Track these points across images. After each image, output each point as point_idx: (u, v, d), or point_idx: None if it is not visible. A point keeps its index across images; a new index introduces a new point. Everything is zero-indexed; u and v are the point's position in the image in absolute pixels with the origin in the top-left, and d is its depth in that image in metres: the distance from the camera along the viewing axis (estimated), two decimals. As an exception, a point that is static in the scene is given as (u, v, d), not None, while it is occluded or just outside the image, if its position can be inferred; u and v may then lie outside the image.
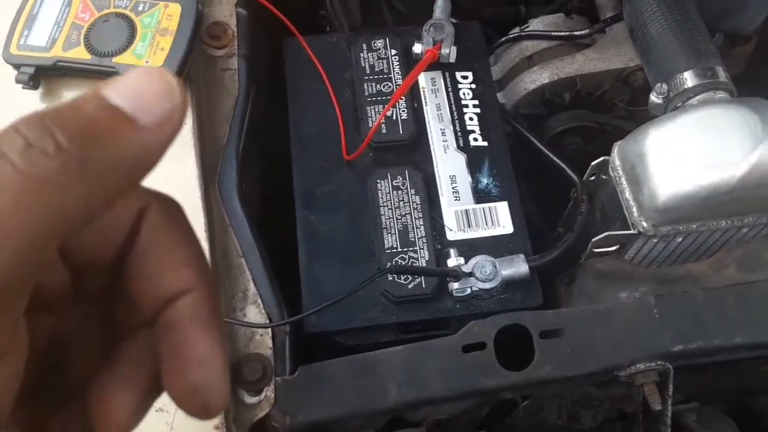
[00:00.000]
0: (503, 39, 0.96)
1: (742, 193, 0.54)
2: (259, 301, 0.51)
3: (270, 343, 0.50)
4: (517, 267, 0.59)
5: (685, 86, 0.60)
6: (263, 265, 0.53)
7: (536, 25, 0.94)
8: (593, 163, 0.66)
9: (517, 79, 0.93)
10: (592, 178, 0.68)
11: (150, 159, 0.19)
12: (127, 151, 0.19)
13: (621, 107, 0.91)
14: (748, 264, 0.56)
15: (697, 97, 0.59)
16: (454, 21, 0.75)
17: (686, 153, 0.55)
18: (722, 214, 0.57)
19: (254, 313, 0.51)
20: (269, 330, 0.51)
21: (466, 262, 0.60)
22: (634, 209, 0.59)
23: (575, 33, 0.90)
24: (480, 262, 0.59)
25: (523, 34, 0.94)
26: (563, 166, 0.69)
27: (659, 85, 0.61)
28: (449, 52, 0.69)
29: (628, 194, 0.60)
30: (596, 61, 0.89)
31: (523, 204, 0.67)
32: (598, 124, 0.93)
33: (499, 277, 0.59)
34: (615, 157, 0.62)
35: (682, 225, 0.57)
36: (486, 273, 0.59)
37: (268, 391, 0.49)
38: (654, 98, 0.61)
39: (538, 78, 0.90)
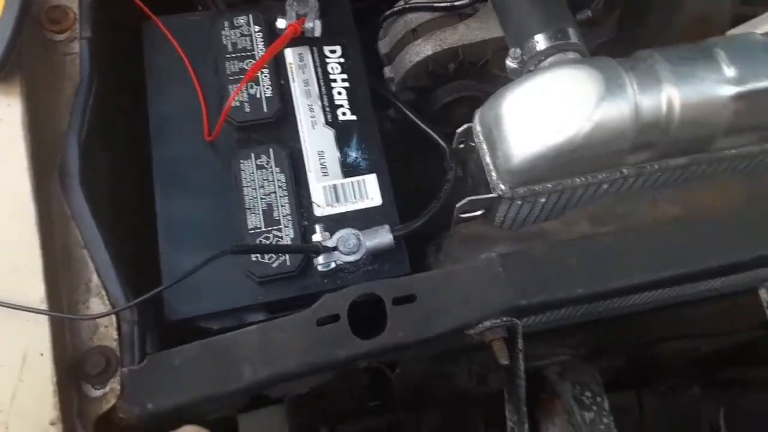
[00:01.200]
0: (388, 12, 0.95)
1: (588, 150, 0.55)
2: (103, 291, 0.49)
3: (116, 334, 0.48)
4: (382, 237, 0.59)
5: (537, 49, 0.60)
6: (107, 254, 0.51)
7: (420, -1, 0.94)
8: (459, 131, 0.66)
9: (402, 53, 0.92)
10: (462, 145, 0.68)
11: None
12: None
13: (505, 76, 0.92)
14: (600, 218, 0.57)
15: (548, 59, 0.60)
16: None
17: (534, 115, 0.56)
18: (574, 172, 0.58)
19: (97, 305, 0.49)
20: (114, 321, 0.49)
21: (332, 236, 0.59)
22: (493, 173, 0.59)
23: (456, 3, 0.90)
24: (344, 236, 0.59)
25: (407, 6, 0.94)
26: (433, 134, 0.69)
27: (513, 49, 0.62)
28: (313, 26, 0.68)
29: (488, 158, 0.60)
30: (478, 31, 0.89)
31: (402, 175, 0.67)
32: (485, 94, 0.94)
33: (363, 249, 0.59)
34: (476, 123, 0.62)
35: (538, 185, 0.58)
36: (350, 246, 0.58)
37: (114, 383, 0.47)
38: (509, 63, 0.62)
39: (421, 50, 0.90)
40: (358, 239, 0.59)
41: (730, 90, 0.54)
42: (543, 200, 0.60)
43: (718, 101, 0.55)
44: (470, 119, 0.95)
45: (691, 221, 0.55)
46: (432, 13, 0.91)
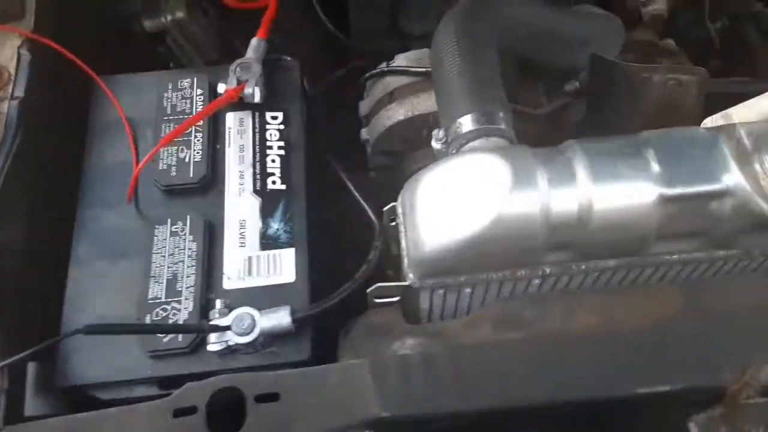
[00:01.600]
0: (368, 74, 0.94)
1: (495, 247, 0.51)
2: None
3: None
4: (280, 320, 0.56)
5: (460, 131, 0.57)
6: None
7: (401, 60, 0.92)
8: (385, 209, 0.63)
9: (378, 115, 0.91)
10: (393, 223, 0.65)
11: None
12: None
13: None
14: (505, 321, 0.52)
15: (470, 144, 0.56)
16: (275, 58, 0.73)
17: (441, 204, 0.52)
18: (488, 266, 0.53)
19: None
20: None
21: (230, 314, 0.57)
22: (405, 260, 0.56)
23: (431, 70, 0.88)
24: (239, 315, 0.56)
25: (387, 69, 0.92)
26: (367, 209, 0.66)
27: (437, 130, 0.58)
28: (253, 92, 0.67)
29: (403, 243, 0.57)
30: (452, 99, 0.87)
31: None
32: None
33: (257, 330, 0.56)
34: (398, 204, 0.59)
35: (449, 278, 0.54)
36: (243, 327, 0.56)
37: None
38: (434, 144, 0.58)
39: (393, 114, 0.87)
40: (253, 320, 0.56)
41: (657, 192, 0.49)
42: (457, 294, 0.56)
43: (642, 204, 0.49)
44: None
45: (602, 336, 0.49)
46: (409, 78, 0.89)
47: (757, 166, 0.52)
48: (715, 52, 1.02)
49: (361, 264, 0.62)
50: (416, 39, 1.02)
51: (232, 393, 0.47)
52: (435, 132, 0.58)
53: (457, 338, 0.52)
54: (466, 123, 0.57)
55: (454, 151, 0.57)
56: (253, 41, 0.71)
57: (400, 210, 0.59)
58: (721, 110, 0.67)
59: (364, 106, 0.95)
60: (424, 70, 0.88)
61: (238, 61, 0.69)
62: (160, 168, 0.64)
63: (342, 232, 0.68)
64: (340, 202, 0.69)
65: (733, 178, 0.49)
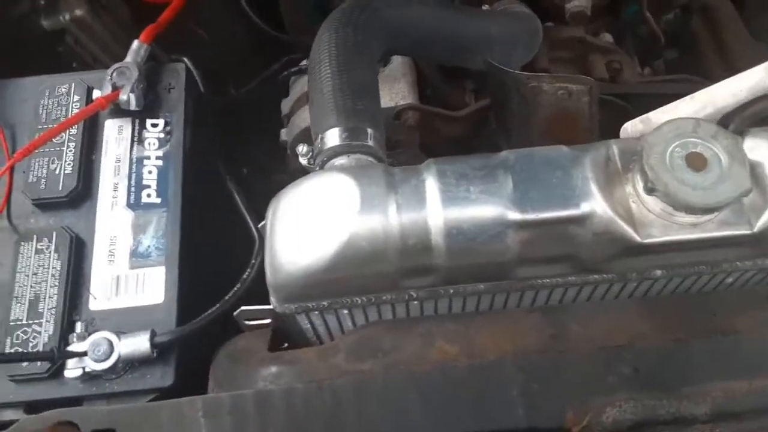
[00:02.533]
0: (290, 71, 0.91)
1: (347, 272, 0.48)
2: None
3: None
4: (139, 345, 0.54)
5: (324, 146, 0.54)
6: None
7: (320, 57, 0.88)
8: (261, 224, 0.60)
9: (295, 116, 0.87)
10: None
11: None
12: None
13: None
14: (361, 350, 0.49)
15: (332, 161, 0.53)
16: (161, 62, 0.69)
17: (296, 227, 0.49)
18: (350, 291, 0.51)
19: None
20: None
21: (89, 338, 0.55)
22: (268, 280, 0.53)
23: (346, 68, 0.84)
24: (96, 341, 0.54)
25: (304, 67, 0.88)
26: (249, 220, 0.63)
27: (300, 146, 0.55)
28: (128, 99, 0.64)
29: (266, 264, 0.54)
30: (371, 98, 0.83)
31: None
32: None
33: (115, 356, 0.54)
34: (266, 221, 0.56)
35: (311, 302, 0.51)
36: (100, 353, 0.54)
37: None
38: (301, 160, 0.55)
39: (308, 117, 0.84)
40: (111, 345, 0.54)
41: (510, 217, 0.46)
42: (335, 314, 0.53)
43: (494, 230, 0.46)
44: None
45: (459, 368, 0.46)
46: (326, 75, 0.86)
47: (629, 188, 0.49)
48: (668, 43, 0.99)
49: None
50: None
51: (70, 427, 0.46)
52: (299, 147, 0.56)
53: (308, 365, 0.49)
54: (331, 138, 0.54)
55: (317, 168, 0.54)
56: (134, 44, 0.67)
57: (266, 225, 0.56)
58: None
59: (285, 105, 0.92)
60: (338, 67, 0.85)
61: (115, 65, 0.65)
62: (30, 180, 0.62)
63: (228, 247, 0.66)
64: (229, 215, 0.66)
65: (592, 202, 0.46)
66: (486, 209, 0.46)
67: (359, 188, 0.48)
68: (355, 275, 0.48)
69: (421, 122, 0.82)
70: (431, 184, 0.48)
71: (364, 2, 0.62)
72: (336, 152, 0.53)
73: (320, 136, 0.54)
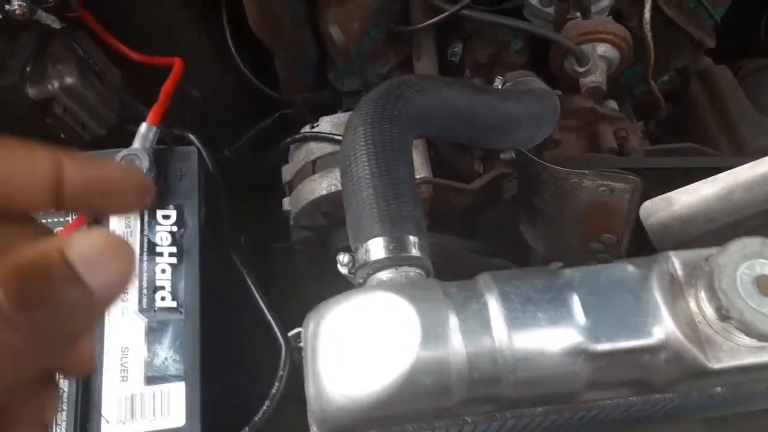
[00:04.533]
0: (289, 139, 0.86)
1: (404, 407, 0.44)
2: None
3: None
4: (162, 481, 0.49)
5: (368, 259, 0.50)
6: None
7: (325, 124, 0.84)
8: (291, 333, 0.56)
9: (300, 187, 0.83)
10: (301, 343, 0.58)
11: (91, 318, 0.22)
12: (69, 310, 0.21)
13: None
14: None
15: (379, 274, 0.49)
16: (169, 146, 0.64)
17: (345, 353, 0.45)
18: (401, 422, 0.47)
19: None
20: None
21: (106, 471, 0.49)
22: (309, 410, 0.49)
23: (355, 140, 0.81)
24: (113, 477, 0.48)
25: (310, 134, 0.85)
26: (274, 326, 0.59)
27: (341, 254, 0.51)
28: (139, 191, 0.59)
29: (306, 387, 0.50)
30: (379, 172, 0.80)
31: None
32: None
33: (135, 495, 0.48)
34: (303, 335, 0.52)
35: (358, 432, 0.47)
36: (118, 492, 0.48)
37: None
38: (340, 268, 0.51)
39: (316, 188, 0.80)
40: (130, 482, 0.48)
41: (583, 347, 0.43)
42: None
43: (566, 360, 0.43)
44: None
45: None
46: (333, 146, 0.82)
47: (693, 305, 0.47)
48: (666, 100, 0.99)
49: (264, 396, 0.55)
50: (346, 94, 0.95)
51: None
52: (340, 256, 0.52)
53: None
54: (375, 249, 0.50)
55: (361, 281, 0.50)
56: (142, 128, 0.63)
57: (303, 342, 0.52)
58: (663, 183, 0.62)
59: (286, 173, 0.88)
60: (348, 139, 0.82)
61: (124, 152, 0.60)
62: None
63: (247, 352, 0.61)
64: (247, 312, 0.61)
65: (664, 328, 0.44)
66: (557, 339, 0.43)
67: (419, 314, 0.44)
68: (412, 409, 0.45)
69: (435, 195, 0.79)
70: (495, 309, 0.44)
71: (394, 89, 0.58)
72: (381, 266, 0.49)
73: (362, 246, 0.50)
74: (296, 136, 0.85)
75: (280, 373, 0.56)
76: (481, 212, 0.84)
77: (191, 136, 0.69)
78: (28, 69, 0.71)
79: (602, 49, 0.79)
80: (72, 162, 0.24)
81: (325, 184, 0.80)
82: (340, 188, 0.79)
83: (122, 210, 0.28)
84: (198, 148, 0.64)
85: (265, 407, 0.54)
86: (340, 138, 0.82)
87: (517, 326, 0.44)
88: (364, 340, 0.45)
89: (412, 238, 0.50)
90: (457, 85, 0.63)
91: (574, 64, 0.78)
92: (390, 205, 0.51)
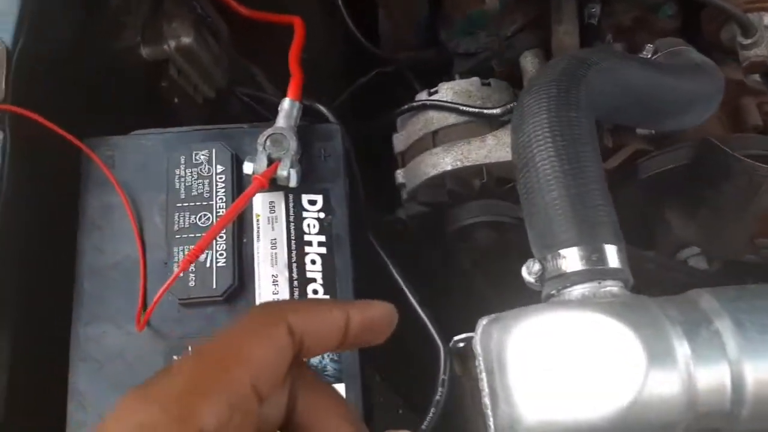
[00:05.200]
0: (406, 107, 0.80)
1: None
2: None
3: None
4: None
5: (563, 270, 0.45)
6: None
7: (445, 92, 0.78)
8: (456, 338, 0.52)
9: (418, 159, 0.78)
10: (461, 344, 0.54)
11: None
12: None
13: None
14: None
15: (577, 288, 0.45)
16: (306, 125, 0.58)
17: (550, 377, 0.41)
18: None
19: None
20: None
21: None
22: (491, 427, 0.45)
23: (484, 111, 0.74)
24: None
25: (429, 102, 0.78)
26: (431, 329, 0.55)
27: (531, 261, 0.46)
28: (288, 174, 0.54)
29: (486, 399, 0.46)
30: (509, 147, 0.73)
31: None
32: (515, 219, 0.78)
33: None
34: (476, 343, 0.48)
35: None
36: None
37: None
38: (525, 275, 0.47)
39: (439, 162, 0.75)
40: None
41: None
42: None
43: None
44: (494, 245, 0.82)
45: None
46: (457, 117, 0.76)
47: None
48: None
49: (424, 402, 0.51)
50: (459, 55, 0.88)
51: None
52: (528, 263, 0.47)
53: None
54: (572, 260, 0.45)
55: (554, 292, 0.46)
56: (285, 103, 0.57)
57: (479, 350, 0.48)
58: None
59: (399, 142, 0.82)
60: (476, 110, 0.75)
61: (268, 131, 0.55)
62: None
63: (398, 349, 0.57)
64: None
65: None
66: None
67: (642, 342, 0.39)
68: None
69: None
70: (729, 339, 0.40)
71: (575, 69, 0.52)
72: (581, 279, 0.44)
73: (554, 255, 0.45)
74: (413, 104, 0.79)
75: (442, 377, 0.52)
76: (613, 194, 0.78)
77: (322, 108, 0.63)
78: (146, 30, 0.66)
79: (769, 19, 0.70)
80: (355, 310, 0.30)
81: (449, 158, 0.74)
82: (466, 164, 0.74)
83: (379, 341, 0.32)
84: (339, 125, 0.59)
85: (431, 414, 0.51)
86: (465, 108, 0.76)
87: (755, 358, 0.39)
88: (573, 363, 0.41)
89: (611, 247, 0.45)
90: (634, 62, 0.57)
91: (737, 35, 0.70)
92: (586, 208, 0.46)
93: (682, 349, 0.40)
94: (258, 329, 0.27)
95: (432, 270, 0.87)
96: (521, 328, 0.44)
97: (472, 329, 0.60)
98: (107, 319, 0.51)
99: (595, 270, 0.44)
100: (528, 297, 0.52)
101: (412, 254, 0.78)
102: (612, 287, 0.44)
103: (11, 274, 0.48)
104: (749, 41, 0.69)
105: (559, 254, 0.45)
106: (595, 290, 0.44)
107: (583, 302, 0.44)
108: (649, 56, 0.71)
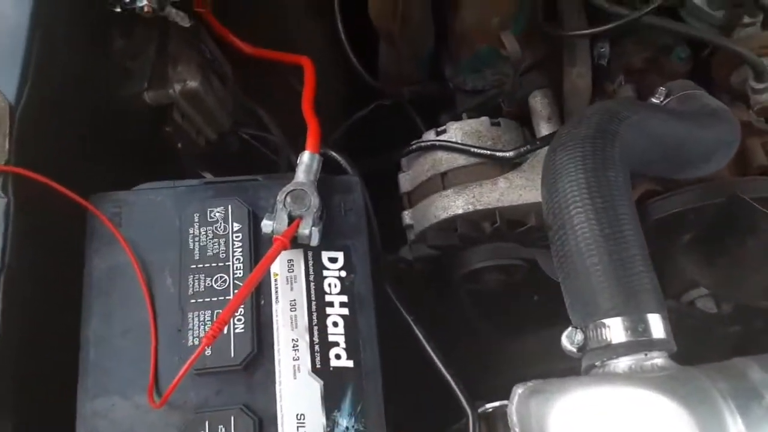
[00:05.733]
0: (413, 146, 0.78)
1: None
2: None
3: None
4: None
5: (607, 340, 0.43)
6: None
7: (454, 132, 0.76)
8: (487, 405, 0.50)
9: (427, 201, 0.76)
10: (491, 409, 0.52)
11: None
12: None
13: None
14: None
15: (623, 360, 0.43)
16: (325, 176, 0.56)
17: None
18: None
19: None
20: None
21: None
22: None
23: (497, 154, 0.73)
24: None
25: (438, 143, 0.76)
26: (457, 391, 0.52)
27: (572, 330, 0.45)
28: (310, 233, 0.51)
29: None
30: (522, 190, 0.72)
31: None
32: (526, 262, 0.77)
33: None
34: (513, 413, 0.46)
35: None
36: None
37: None
38: (566, 344, 0.45)
39: (450, 205, 0.73)
40: None
41: None
42: None
43: None
44: (504, 287, 0.80)
45: None
46: (467, 158, 0.74)
47: None
48: None
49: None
50: (465, 92, 0.86)
51: None
52: (570, 332, 0.45)
53: None
54: (616, 330, 0.43)
55: (597, 363, 0.44)
56: (305, 156, 0.54)
57: (515, 419, 0.46)
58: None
59: (405, 181, 0.80)
60: (488, 152, 0.74)
61: (288, 187, 0.52)
62: (190, 344, 0.49)
63: (423, 416, 0.55)
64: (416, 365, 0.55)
65: None
66: None
67: (696, 422, 0.38)
68: None
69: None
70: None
71: (608, 125, 0.50)
72: (626, 351, 0.43)
73: (596, 325, 0.43)
74: (421, 143, 0.77)
75: (473, 438, 0.50)
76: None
77: (338, 157, 0.61)
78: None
79: (782, 64, 0.70)
80: None
81: (461, 201, 0.72)
82: (478, 207, 0.73)
83: None
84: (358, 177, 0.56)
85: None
86: (476, 150, 0.74)
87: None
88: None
89: (656, 317, 0.44)
90: (661, 114, 0.56)
91: (750, 78, 0.70)
92: (628, 276, 0.44)
93: (736, 426, 0.38)
94: None
95: (432, 310, 0.85)
96: (565, 402, 0.42)
97: (479, 375, 0.59)
98: (115, 391, 0.48)
99: (641, 341, 0.42)
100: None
101: (413, 296, 0.76)
102: (658, 359, 0.43)
103: (14, 345, 0.45)
104: (762, 86, 0.69)
105: (602, 324, 0.43)
106: (641, 363, 0.42)
107: (631, 377, 0.42)
108: (661, 98, 0.70)
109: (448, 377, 0.53)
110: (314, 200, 0.52)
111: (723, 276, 0.66)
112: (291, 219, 0.51)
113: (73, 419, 0.47)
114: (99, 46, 0.56)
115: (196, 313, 0.50)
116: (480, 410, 0.51)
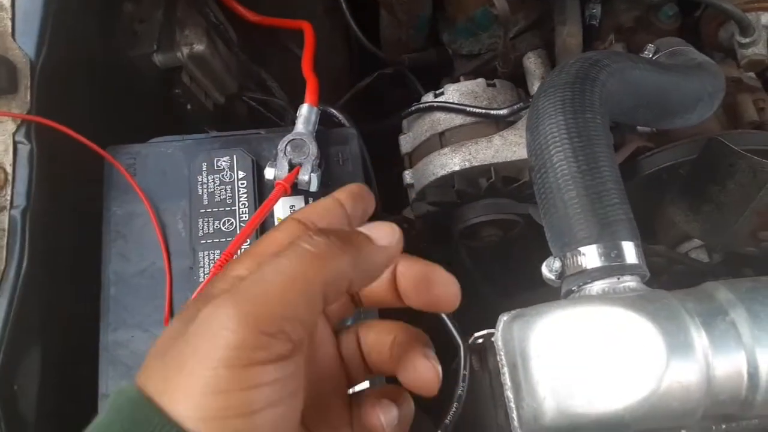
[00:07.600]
0: (413, 108, 0.82)
1: (642, 425, 0.42)
2: None
3: None
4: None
5: (582, 266, 0.46)
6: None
7: (452, 93, 0.79)
8: (477, 334, 0.53)
9: (426, 160, 0.79)
10: (480, 340, 0.55)
11: (377, 270, 0.31)
12: (366, 258, 0.30)
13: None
14: None
15: (597, 283, 0.46)
16: (322, 129, 0.60)
17: (572, 370, 0.43)
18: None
19: None
20: None
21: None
22: (515, 420, 0.46)
23: (491, 112, 0.76)
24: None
25: (436, 105, 0.80)
26: (451, 326, 0.56)
27: (551, 259, 0.48)
28: (309, 179, 0.55)
29: (510, 396, 0.47)
30: (515, 147, 0.75)
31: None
32: (521, 216, 0.80)
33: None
34: (498, 339, 0.49)
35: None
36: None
37: None
38: (545, 272, 0.48)
39: (447, 163, 0.76)
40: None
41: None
42: None
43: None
44: (501, 242, 0.83)
45: None
46: (464, 118, 0.78)
47: None
48: None
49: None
50: (462, 57, 0.89)
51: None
52: (549, 261, 0.48)
53: None
54: (591, 257, 0.46)
55: (574, 288, 0.47)
56: (303, 109, 0.58)
57: (500, 345, 0.49)
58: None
59: (405, 142, 0.84)
60: (483, 111, 0.77)
61: (288, 137, 0.56)
62: (201, 280, 0.53)
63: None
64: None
65: None
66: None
67: (662, 333, 0.41)
68: (645, 430, 0.43)
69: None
70: (745, 330, 0.41)
71: (588, 71, 0.53)
72: (600, 275, 0.46)
73: (573, 253, 0.47)
74: (419, 106, 0.81)
75: (463, 372, 0.54)
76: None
77: (336, 112, 0.64)
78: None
79: (767, 19, 0.72)
80: (404, 261, 0.34)
81: (458, 159, 0.76)
82: (474, 164, 0.76)
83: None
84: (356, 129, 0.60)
85: (454, 409, 0.52)
86: (472, 110, 0.77)
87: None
88: (596, 356, 0.42)
89: (629, 244, 0.47)
90: (643, 64, 0.58)
91: (736, 34, 0.72)
92: (604, 207, 0.47)
93: (700, 339, 0.42)
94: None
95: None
96: (544, 324, 0.45)
97: (477, 326, 0.62)
98: (134, 325, 0.52)
99: (614, 266, 0.46)
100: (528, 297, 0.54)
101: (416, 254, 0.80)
102: (630, 282, 0.46)
103: (38, 280, 0.49)
104: (748, 40, 0.71)
105: (578, 252, 0.47)
106: (614, 285, 0.46)
107: (604, 297, 0.45)
108: (650, 56, 0.73)
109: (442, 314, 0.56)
110: (312, 148, 0.55)
111: (709, 224, 0.68)
112: (291, 167, 0.55)
113: (96, 349, 0.52)
114: (110, 8, 0.60)
115: (205, 252, 0.54)
116: (470, 341, 0.55)
